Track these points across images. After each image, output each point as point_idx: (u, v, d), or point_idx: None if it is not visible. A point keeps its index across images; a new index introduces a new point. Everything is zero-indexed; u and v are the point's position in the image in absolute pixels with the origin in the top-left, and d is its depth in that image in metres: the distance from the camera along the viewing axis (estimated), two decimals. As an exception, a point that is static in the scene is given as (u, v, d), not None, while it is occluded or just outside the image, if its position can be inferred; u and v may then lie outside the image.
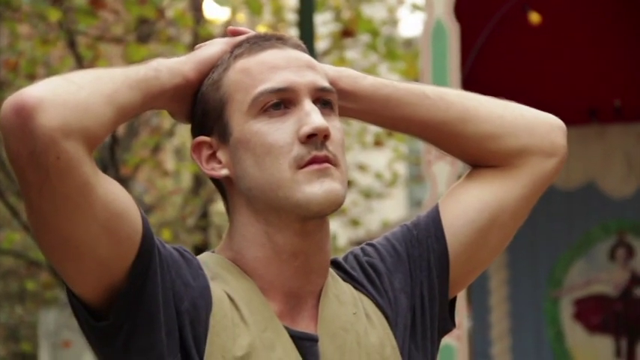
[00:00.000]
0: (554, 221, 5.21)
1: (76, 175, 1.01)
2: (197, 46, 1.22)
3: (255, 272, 1.16)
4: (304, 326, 1.18)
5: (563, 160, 1.29)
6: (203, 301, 1.11)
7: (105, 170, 1.06)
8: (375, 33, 7.71)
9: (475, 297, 5.29)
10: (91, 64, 6.66)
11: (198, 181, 8.40)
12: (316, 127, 1.12)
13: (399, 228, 1.30)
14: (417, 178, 12.39)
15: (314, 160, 1.13)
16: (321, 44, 7.54)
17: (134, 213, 1.08)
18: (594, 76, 5.31)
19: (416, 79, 6.57)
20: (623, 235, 5.35)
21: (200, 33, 7.28)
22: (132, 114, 1.12)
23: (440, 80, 4.45)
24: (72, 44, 6.81)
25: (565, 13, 5.30)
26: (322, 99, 1.17)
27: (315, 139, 1.13)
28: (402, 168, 12.07)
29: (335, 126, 1.17)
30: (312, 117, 1.13)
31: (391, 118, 1.28)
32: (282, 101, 1.15)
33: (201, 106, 1.19)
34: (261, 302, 1.16)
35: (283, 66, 1.17)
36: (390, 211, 13.84)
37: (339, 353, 1.17)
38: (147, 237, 1.09)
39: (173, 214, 9.00)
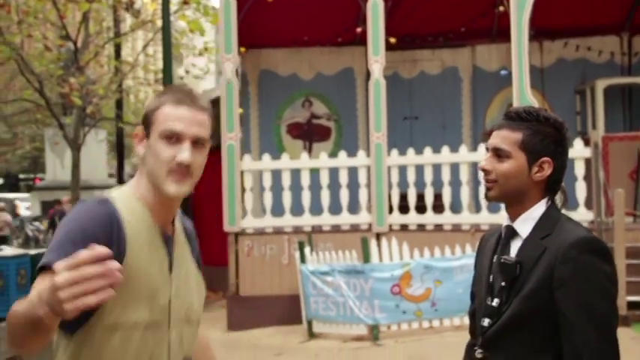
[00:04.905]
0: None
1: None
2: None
3: (148, 205, 2.14)
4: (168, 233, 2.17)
5: None
6: (120, 232, 2.03)
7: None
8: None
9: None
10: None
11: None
12: (181, 160, 2.05)
13: None
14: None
15: (178, 173, 2.06)
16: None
17: None
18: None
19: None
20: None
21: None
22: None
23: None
24: None
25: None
26: (197, 142, 2.09)
27: (182, 163, 2.05)
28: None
29: (201, 153, 2.10)
30: (184, 153, 2.05)
31: None
32: (173, 136, 2.07)
33: (146, 116, 2.12)
34: (149, 218, 2.12)
35: (183, 119, 2.07)
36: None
37: (182, 245, 2.23)
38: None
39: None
